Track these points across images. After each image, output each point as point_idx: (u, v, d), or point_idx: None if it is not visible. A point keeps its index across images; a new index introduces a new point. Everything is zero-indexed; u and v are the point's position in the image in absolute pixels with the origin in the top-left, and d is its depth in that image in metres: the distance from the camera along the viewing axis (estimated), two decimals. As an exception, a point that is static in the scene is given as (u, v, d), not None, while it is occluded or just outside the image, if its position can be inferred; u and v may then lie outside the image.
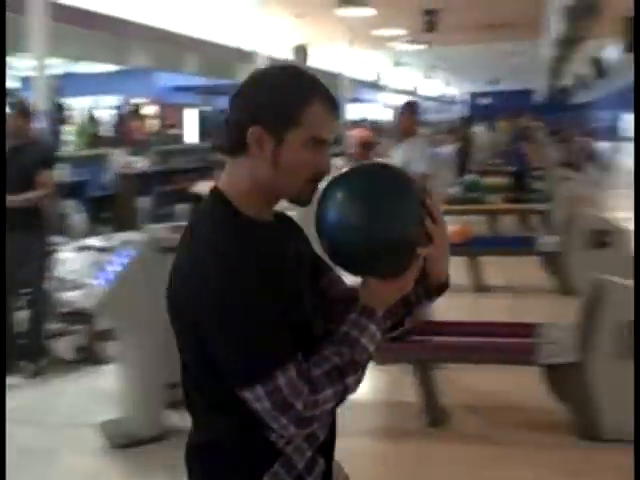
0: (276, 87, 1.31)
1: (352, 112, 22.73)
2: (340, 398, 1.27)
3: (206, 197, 1.35)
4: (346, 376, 1.26)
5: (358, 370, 1.28)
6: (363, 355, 1.29)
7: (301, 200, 1.35)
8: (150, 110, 16.74)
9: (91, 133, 11.96)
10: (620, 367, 3.55)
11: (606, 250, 5.90)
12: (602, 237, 6.01)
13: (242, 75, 16.11)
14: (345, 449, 1.60)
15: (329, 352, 1.28)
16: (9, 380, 4.43)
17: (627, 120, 36.65)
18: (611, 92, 30.70)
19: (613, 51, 20.34)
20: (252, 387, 1.21)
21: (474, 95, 37.03)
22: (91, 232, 7.75)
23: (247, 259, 1.22)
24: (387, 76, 28.80)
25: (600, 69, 23.78)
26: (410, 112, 5.01)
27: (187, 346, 1.31)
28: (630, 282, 3.90)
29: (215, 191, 1.35)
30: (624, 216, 10.61)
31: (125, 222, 8.35)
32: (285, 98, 1.29)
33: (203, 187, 6.17)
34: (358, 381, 1.28)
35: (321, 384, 1.23)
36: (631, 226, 9.42)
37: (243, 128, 1.29)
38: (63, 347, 4.98)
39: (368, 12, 12.64)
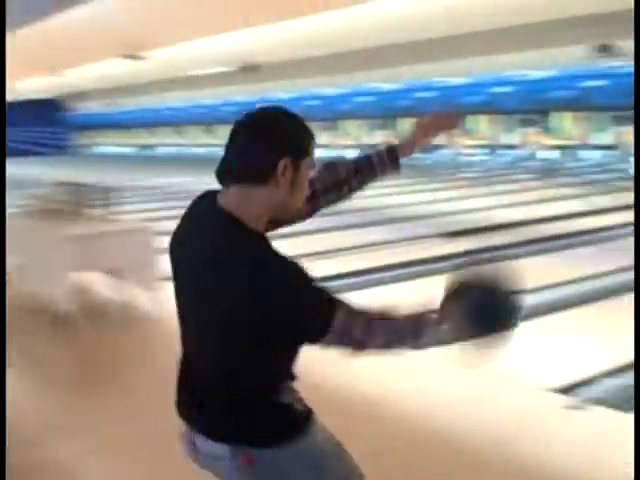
0: (293, 126, 1.66)
1: None
2: (389, 346, 1.61)
3: (218, 219, 1.62)
4: (402, 339, 1.61)
5: (409, 344, 1.61)
6: (418, 343, 1.62)
7: (299, 217, 1.84)
8: None
9: None
10: None
11: None
12: None
13: None
14: None
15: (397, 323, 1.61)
16: None
17: None
18: None
19: None
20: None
21: None
22: None
23: (292, 263, 1.57)
24: None
25: None
26: None
27: (245, 338, 1.56)
28: None
29: (228, 214, 1.61)
30: None
31: None
32: (302, 134, 1.66)
33: None
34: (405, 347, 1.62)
35: (377, 330, 1.58)
36: None
37: (273, 161, 1.60)
38: None
39: None
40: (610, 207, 11.30)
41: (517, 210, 11.20)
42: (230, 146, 1.64)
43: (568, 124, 20.76)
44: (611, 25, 15.80)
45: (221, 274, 1.56)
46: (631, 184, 15.63)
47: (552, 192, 13.93)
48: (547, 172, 18.20)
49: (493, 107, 21.97)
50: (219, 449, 1.69)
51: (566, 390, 3.67)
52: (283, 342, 1.59)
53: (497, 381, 3.73)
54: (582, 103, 19.92)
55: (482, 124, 22.80)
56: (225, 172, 1.64)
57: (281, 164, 1.60)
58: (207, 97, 27.61)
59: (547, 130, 21.25)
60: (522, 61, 18.16)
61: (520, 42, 16.77)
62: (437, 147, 23.64)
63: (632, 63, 17.53)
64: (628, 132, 19.34)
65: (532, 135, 21.71)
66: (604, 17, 15.35)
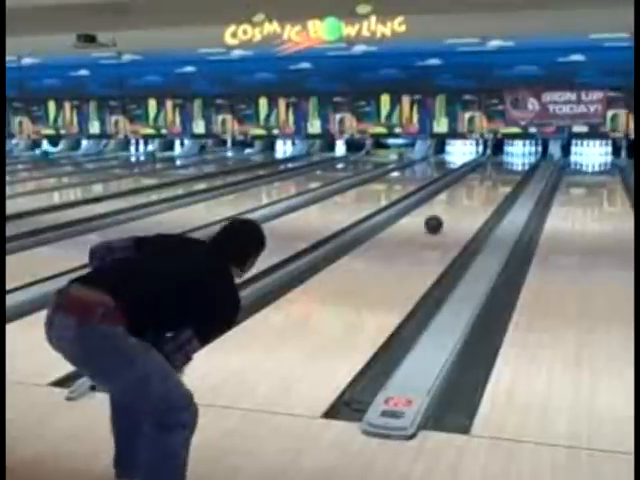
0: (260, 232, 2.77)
1: None
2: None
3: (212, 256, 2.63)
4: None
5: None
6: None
7: None
8: None
9: None
10: None
11: None
12: None
13: None
14: None
15: None
16: None
17: None
18: None
19: None
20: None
21: None
22: None
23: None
24: None
25: None
26: None
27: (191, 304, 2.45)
28: None
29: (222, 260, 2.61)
30: None
31: None
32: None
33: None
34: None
35: None
36: None
37: (250, 255, 2.70)
38: None
39: None
40: (105, 195, 11.58)
41: (16, 202, 10.71)
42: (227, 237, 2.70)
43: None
44: (93, 17, 16.09)
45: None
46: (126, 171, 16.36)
47: (51, 182, 13.72)
48: (44, 163, 17.84)
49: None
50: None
51: (60, 383, 3.61)
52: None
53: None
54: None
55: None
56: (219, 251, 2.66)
57: (251, 260, 2.72)
58: None
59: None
60: (17, 46, 17.38)
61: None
62: None
63: (114, 53, 18.41)
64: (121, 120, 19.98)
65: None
66: (86, 8, 15.53)
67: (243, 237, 2.72)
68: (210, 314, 2.49)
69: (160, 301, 2.44)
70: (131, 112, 19.84)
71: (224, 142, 19.68)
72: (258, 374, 3.86)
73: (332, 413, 3.35)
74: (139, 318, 2.39)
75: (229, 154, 19.19)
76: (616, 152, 16.38)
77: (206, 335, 2.53)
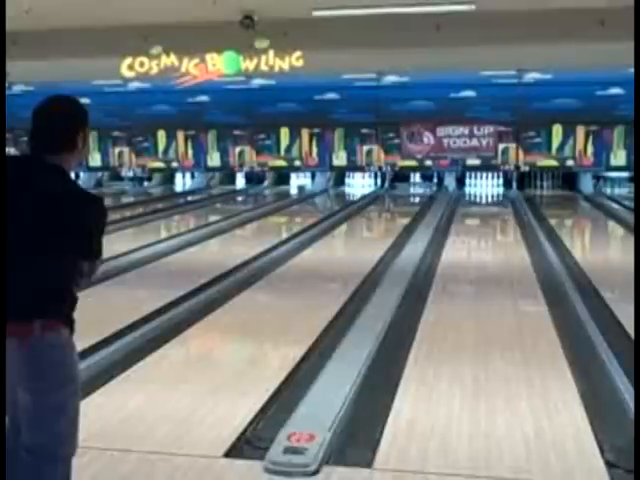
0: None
1: None
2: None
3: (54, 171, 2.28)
4: None
5: None
6: None
7: None
8: None
9: None
10: None
11: None
12: None
13: None
14: None
15: None
16: None
17: None
18: None
19: None
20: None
21: None
22: None
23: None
24: None
25: None
26: None
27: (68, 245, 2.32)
28: None
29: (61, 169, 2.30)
30: None
31: None
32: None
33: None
34: None
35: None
36: None
37: (75, 132, 2.33)
38: None
39: None
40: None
41: None
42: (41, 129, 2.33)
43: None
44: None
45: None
46: None
47: None
48: None
49: None
50: None
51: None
52: None
53: None
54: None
55: None
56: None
57: (80, 136, 2.36)
58: None
59: None
60: None
61: None
62: None
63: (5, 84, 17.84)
64: None
65: None
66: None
67: (58, 119, 2.42)
68: (86, 235, 2.44)
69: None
70: (23, 145, 19.19)
71: (120, 175, 19.26)
72: (157, 414, 3.74)
73: (234, 452, 3.28)
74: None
75: (126, 187, 18.81)
76: (507, 184, 17.03)
77: (98, 253, 2.49)
